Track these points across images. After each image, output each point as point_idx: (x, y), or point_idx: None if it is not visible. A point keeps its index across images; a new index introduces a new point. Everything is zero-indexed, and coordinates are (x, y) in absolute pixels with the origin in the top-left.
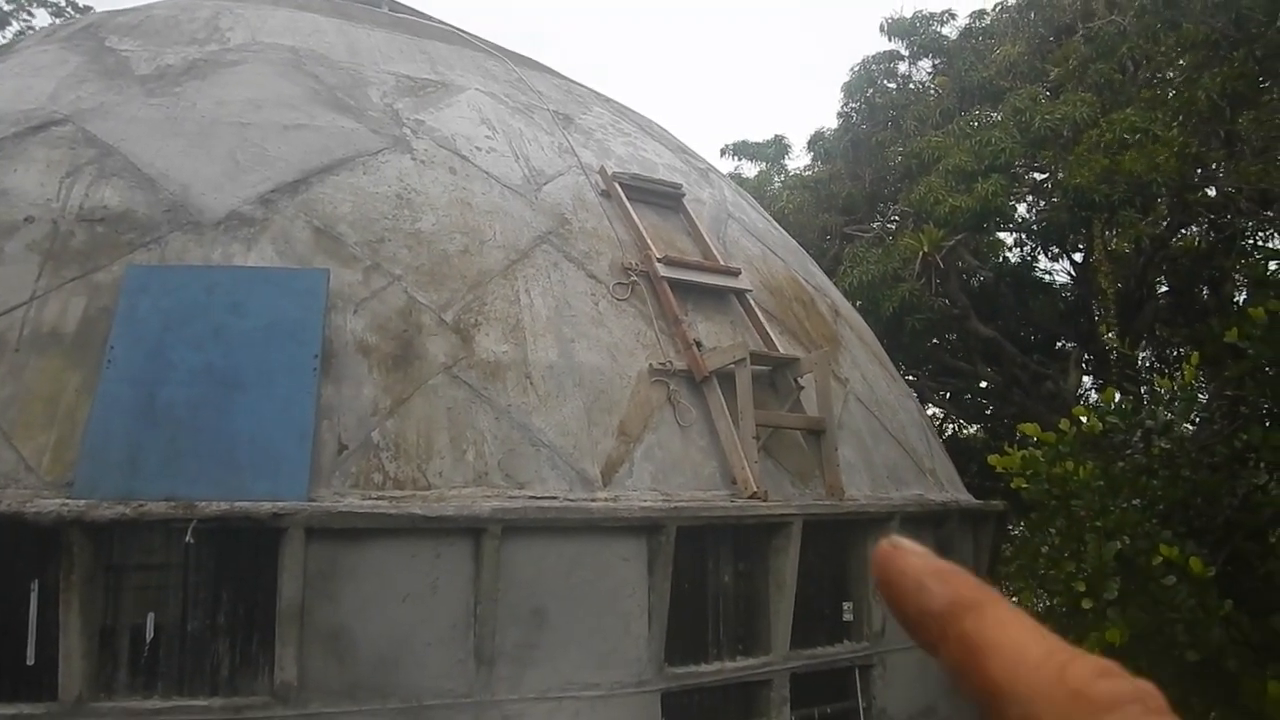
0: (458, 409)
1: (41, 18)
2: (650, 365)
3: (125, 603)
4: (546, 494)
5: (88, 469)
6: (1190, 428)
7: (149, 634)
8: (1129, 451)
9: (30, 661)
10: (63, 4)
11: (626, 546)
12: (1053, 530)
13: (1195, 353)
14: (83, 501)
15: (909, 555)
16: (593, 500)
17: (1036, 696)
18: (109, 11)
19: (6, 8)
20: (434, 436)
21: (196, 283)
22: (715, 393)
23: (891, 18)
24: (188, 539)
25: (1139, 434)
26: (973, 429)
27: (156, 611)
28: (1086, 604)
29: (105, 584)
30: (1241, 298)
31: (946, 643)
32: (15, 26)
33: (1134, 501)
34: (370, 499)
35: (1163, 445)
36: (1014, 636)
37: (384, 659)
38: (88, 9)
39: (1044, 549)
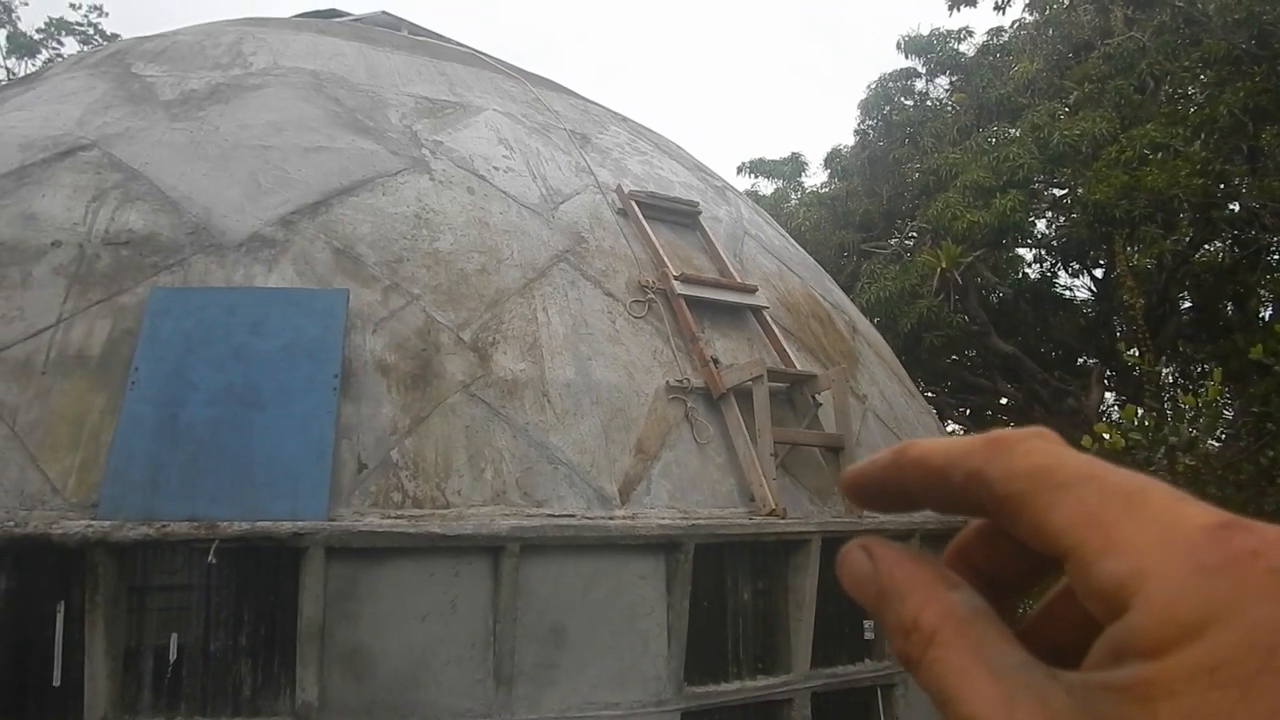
0: (476, 427)
1: (70, 45)
2: (667, 383)
3: (149, 623)
4: (564, 512)
5: (112, 490)
6: (1216, 444)
7: (172, 654)
8: (1153, 468)
9: (56, 683)
10: (90, 32)
11: (645, 564)
12: None
13: (1219, 369)
14: (107, 523)
15: (861, 467)
16: (610, 518)
17: (968, 454)
18: (135, 38)
19: (36, 36)
20: (452, 455)
21: (218, 304)
22: (733, 410)
23: (908, 35)
24: (210, 559)
25: (1163, 450)
26: None
27: (179, 632)
28: None
29: (129, 604)
30: (1267, 314)
31: (903, 467)
32: (45, 54)
33: None
34: (390, 518)
35: (1188, 462)
36: (938, 439)
37: (403, 678)
38: (115, 36)
39: None
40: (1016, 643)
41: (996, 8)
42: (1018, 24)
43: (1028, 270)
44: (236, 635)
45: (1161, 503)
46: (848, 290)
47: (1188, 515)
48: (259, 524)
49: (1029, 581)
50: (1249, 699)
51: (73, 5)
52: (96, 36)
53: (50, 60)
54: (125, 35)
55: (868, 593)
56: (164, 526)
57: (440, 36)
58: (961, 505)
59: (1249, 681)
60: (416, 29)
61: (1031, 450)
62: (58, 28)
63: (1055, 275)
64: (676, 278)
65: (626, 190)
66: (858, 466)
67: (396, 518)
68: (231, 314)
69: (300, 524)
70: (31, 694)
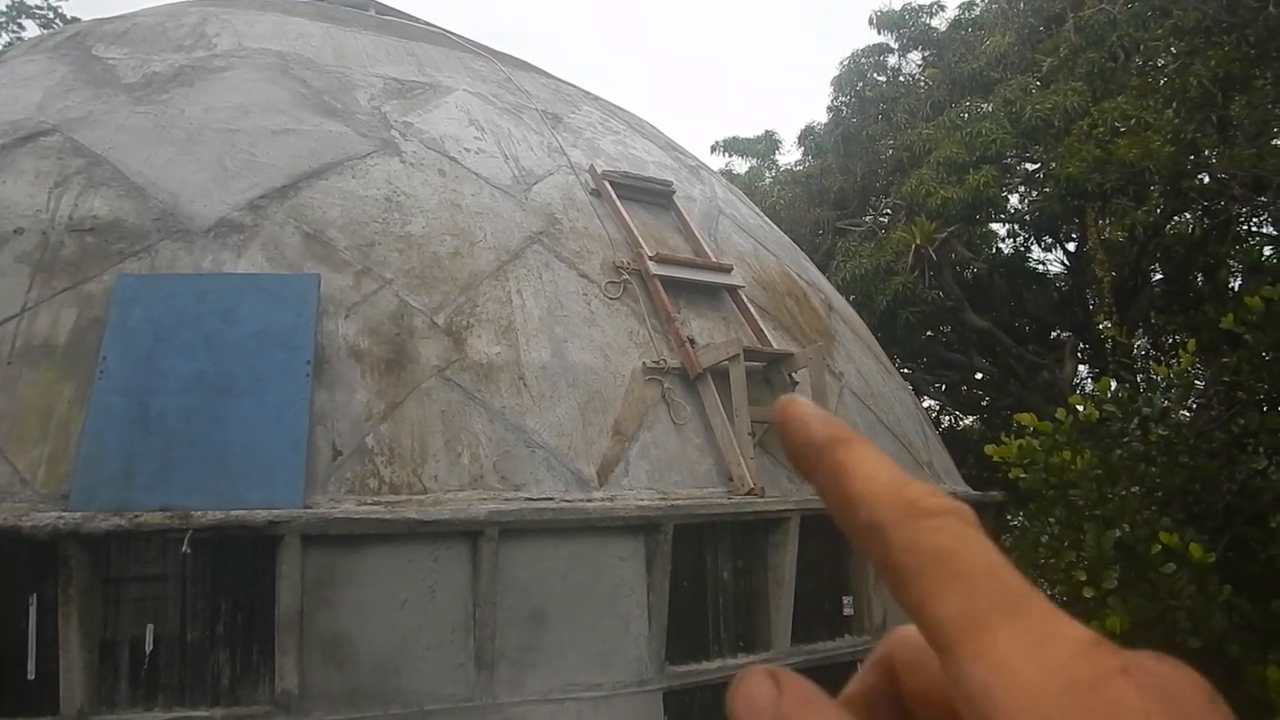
0: (452, 412)
1: (30, 29)
2: (644, 364)
3: (124, 614)
4: (543, 495)
5: (83, 481)
6: (1188, 414)
7: (148, 645)
8: (1126, 439)
9: (31, 676)
10: (50, 16)
11: (624, 546)
12: (1052, 520)
13: (1192, 340)
14: (79, 514)
15: (802, 402)
16: (589, 500)
17: (880, 504)
18: (95, 20)
19: None
20: (428, 440)
21: (187, 291)
22: (710, 390)
23: (881, 10)
24: (184, 549)
25: (1136, 421)
26: (969, 420)
27: (155, 623)
28: (1088, 593)
29: (104, 596)
30: (1237, 284)
31: (821, 467)
32: (4, 38)
33: (1132, 489)
34: (366, 504)
35: (1160, 432)
36: (871, 463)
37: (384, 665)
38: (75, 19)
39: (1043, 539)
40: None
41: None
42: None
43: (1001, 245)
44: (214, 625)
45: (1041, 613)
46: (823, 268)
47: (1063, 630)
48: (234, 513)
49: None
50: None
51: None
52: (57, 20)
53: (10, 44)
54: (85, 19)
55: (798, 422)
56: (137, 517)
57: (409, 16)
58: (851, 535)
59: None
60: (384, 9)
61: (939, 528)
62: (17, 10)
63: (1029, 250)
64: (651, 258)
65: (600, 170)
66: (802, 417)
67: (373, 504)
68: (201, 301)
69: (276, 512)
70: (6, 688)
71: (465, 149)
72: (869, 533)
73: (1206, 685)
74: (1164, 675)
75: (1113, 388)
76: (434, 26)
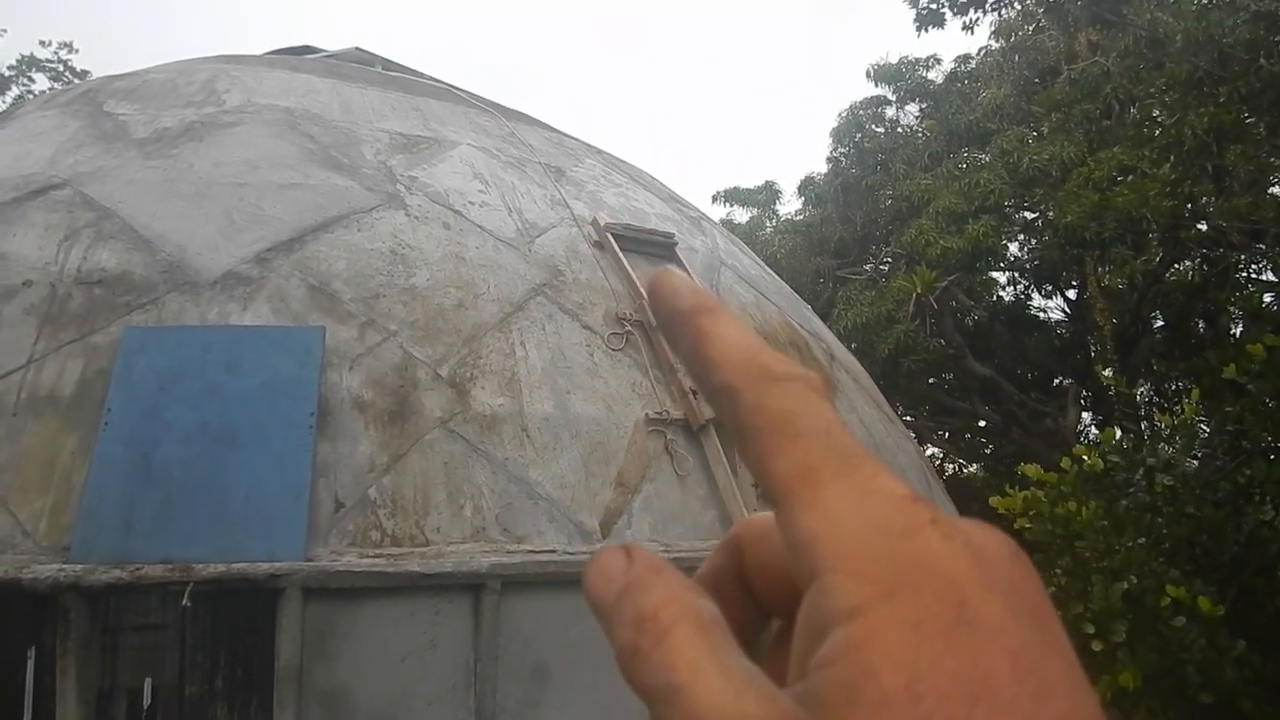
0: (455, 463)
1: (40, 82)
2: (647, 415)
3: (122, 665)
4: (545, 547)
5: (84, 532)
6: (1193, 463)
7: (146, 699)
8: (1132, 489)
9: None
10: (60, 69)
11: None
12: (1058, 571)
13: (1196, 389)
14: (79, 566)
15: (674, 273)
16: (592, 553)
17: (733, 368)
18: (107, 77)
19: (6, 73)
20: (431, 492)
21: (192, 342)
22: (713, 441)
23: (878, 64)
24: (185, 602)
25: (1141, 471)
26: (973, 468)
27: (153, 675)
28: (1096, 646)
29: (102, 646)
30: (1237, 330)
31: (684, 333)
32: (15, 91)
33: (1139, 540)
34: (368, 557)
35: (1166, 482)
36: (730, 330)
37: (383, 719)
38: (85, 74)
39: (1050, 590)
40: (746, 657)
41: (965, 28)
42: (984, 51)
43: (1002, 293)
44: (212, 678)
45: (868, 471)
46: (824, 316)
47: (885, 486)
48: (235, 565)
49: (747, 633)
50: (952, 649)
51: (43, 43)
52: (67, 73)
53: (21, 96)
54: (95, 72)
55: (611, 588)
56: (137, 569)
57: (414, 72)
58: (708, 398)
59: (948, 633)
60: (390, 65)
61: (786, 393)
62: (28, 64)
63: (1029, 297)
64: None
65: (602, 223)
66: (672, 285)
67: (375, 556)
68: (206, 352)
69: (277, 565)
70: None
71: (470, 202)
72: (723, 395)
73: (1011, 541)
74: (971, 529)
75: (1117, 437)
76: (439, 82)
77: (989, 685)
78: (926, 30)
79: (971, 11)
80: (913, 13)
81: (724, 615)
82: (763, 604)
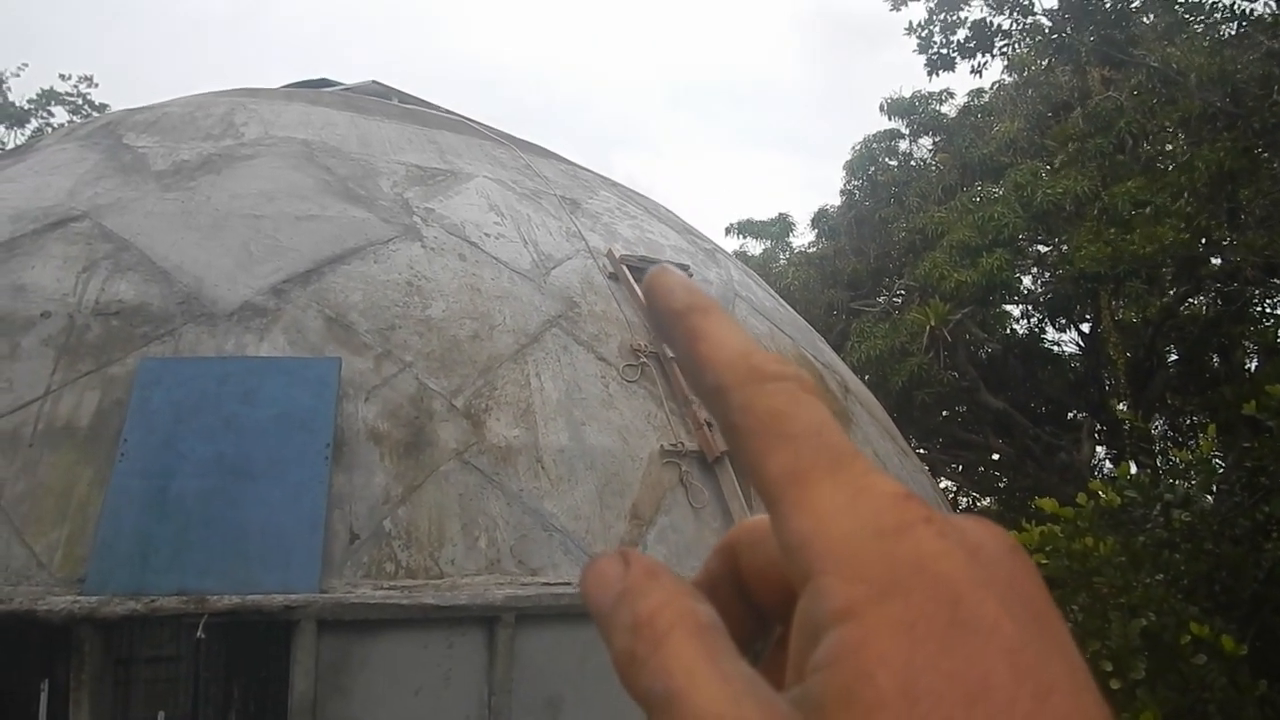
0: (469, 495)
1: (60, 115)
2: (661, 446)
3: (135, 698)
4: (560, 580)
5: (99, 564)
6: (1210, 498)
7: None
8: (1149, 525)
9: None
10: (80, 102)
11: None
12: (1075, 608)
13: (1213, 425)
14: (94, 598)
15: (671, 271)
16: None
17: (725, 368)
18: (126, 110)
19: (27, 107)
20: (446, 524)
21: (209, 374)
22: (728, 473)
23: (891, 98)
24: (199, 634)
25: (1158, 507)
26: (986, 501)
27: (167, 708)
28: (1114, 684)
29: (115, 678)
30: (1252, 365)
31: (677, 332)
32: (35, 124)
33: (1157, 576)
34: (383, 589)
35: (1183, 518)
36: (723, 330)
37: None
38: (104, 106)
39: (1067, 627)
40: (744, 662)
41: (973, 71)
42: (997, 85)
43: (1015, 326)
44: (226, 711)
45: (860, 469)
46: (838, 349)
47: (877, 484)
48: (250, 597)
49: (745, 639)
50: (948, 650)
51: (63, 76)
52: (86, 107)
53: (40, 129)
54: (114, 105)
55: (608, 593)
56: (152, 601)
57: (431, 105)
58: (701, 398)
59: (943, 634)
60: (407, 98)
61: (776, 392)
62: (48, 98)
63: (1043, 330)
64: None
65: (617, 254)
66: (667, 284)
67: (389, 588)
68: (223, 384)
69: (291, 597)
70: None
71: (485, 234)
72: (714, 395)
73: (1009, 537)
74: (967, 526)
75: (1133, 471)
76: (455, 115)
77: (986, 686)
78: (937, 74)
79: (979, 56)
80: (923, 57)
81: (722, 620)
82: (760, 609)
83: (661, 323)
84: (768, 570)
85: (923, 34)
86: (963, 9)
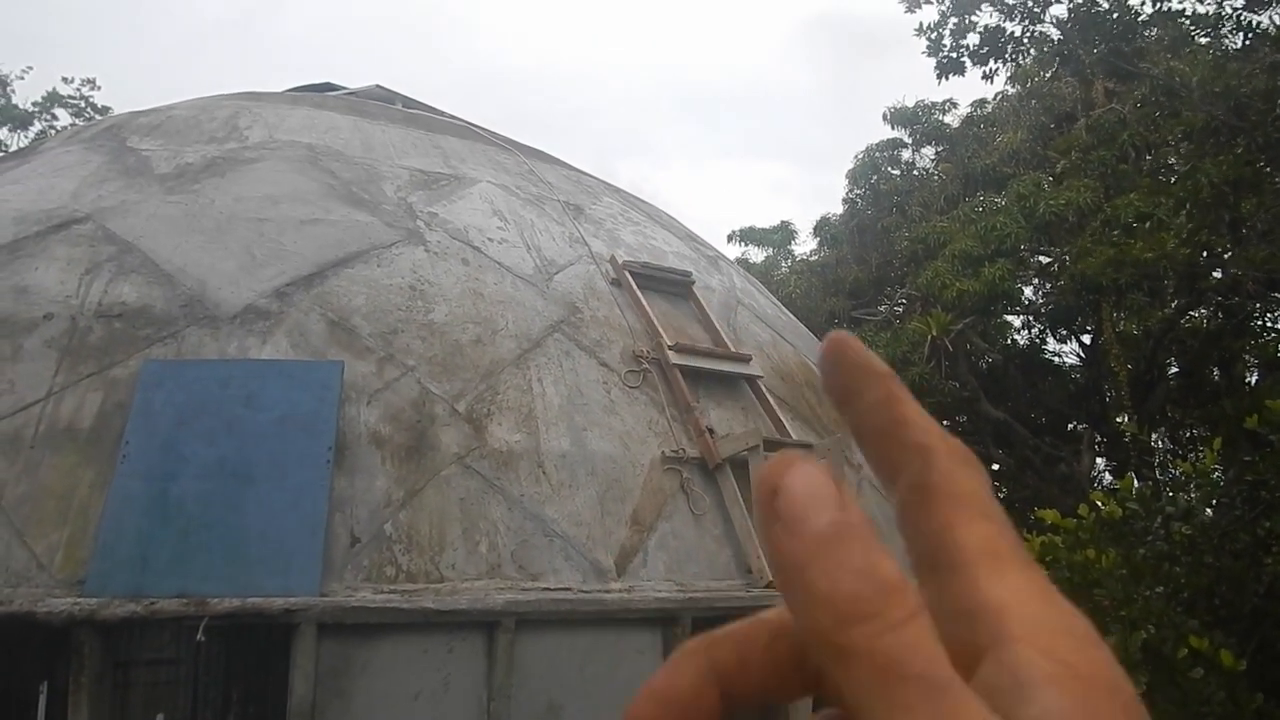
0: (470, 500)
1: (63, 118)
2: (663, 453)
3: (134, 700)
4: (560, 585)
5: (99, 566)
6: (1210, 512)
7: None
8: (1150, 538)
9: None
10: (83, 105)
11: (642, 638)
12: None
13: (1217, 439)
14: (94, 600)
15: (857, 341)
16: (607, 591)
17: (932, 432)
18: (130, 113)
19: (30, 110)
20: (446, 528)
21: (211, 376)
22: (729, 480)
23: (894, 107)
24: (199, 637)
25: (1159, 520)
26: None
27: (166, 710)
28: None
29: (114, 680)
30: (1252, 378)
31: (877, 389)
32: (38, 126)
33: (1157, 589)
34: (383, 593)
35: (1184, 531)
36: (918, 407)
37: None
38: (107, 109)
39: None
40: None
41: (985, 77)
42: (1000, 96)
43: (1016, 337)
44: (225, 714)
45: (1041, 574)
46: None
47: (1058, 594)
48: (250, 600)
49: (766, 700)
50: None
51: (66, 79)
52: (89, 110)
53: (43, 132)
54: (117, 108)
55: (823, 514)
56: (152, 604)
57: (435, 110)
58: (895, 450)
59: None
60: (411, 102)
61: (974, 475)
62: (51, 101)
63: (1044, 342)
64: (671, 347)
65: (620, 260)
66: (861, 350)
67: (390, 592)
68: (225, 387)
69: (292, 600)
70: None
71: (489, 239)
72: (915, 450)
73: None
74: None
75: (1135, 484)
76: (459, 120)
77: None
78: (947, 78)
79: (991, 61)
80: (933, 61)
81: (737, 681)
82: (735, 698)
83: (853, 377)
84: (784, 657)
85: (933, 36)
86: (976, 13)
